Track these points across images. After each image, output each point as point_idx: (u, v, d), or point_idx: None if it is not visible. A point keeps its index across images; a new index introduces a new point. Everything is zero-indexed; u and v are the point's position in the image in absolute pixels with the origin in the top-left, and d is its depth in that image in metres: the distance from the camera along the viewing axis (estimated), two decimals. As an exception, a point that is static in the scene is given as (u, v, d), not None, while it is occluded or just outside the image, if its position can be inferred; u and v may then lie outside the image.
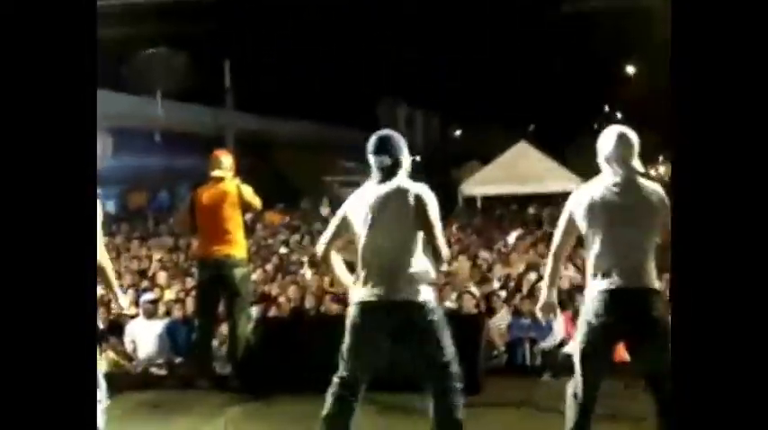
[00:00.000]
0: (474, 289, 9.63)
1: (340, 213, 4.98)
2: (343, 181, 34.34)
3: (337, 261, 5.01)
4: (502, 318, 8.78)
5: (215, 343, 7.89)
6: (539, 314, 5.16)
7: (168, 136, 29.48)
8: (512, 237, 15.32)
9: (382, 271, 4.73)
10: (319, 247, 5.06)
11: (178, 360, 8.37)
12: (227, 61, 29.54)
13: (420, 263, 4.76)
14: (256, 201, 7.42)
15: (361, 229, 4.79)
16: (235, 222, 7.28)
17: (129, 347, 8.67)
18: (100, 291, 6.59)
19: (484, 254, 12.88)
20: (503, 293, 9.63)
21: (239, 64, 29.95)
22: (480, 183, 23.86)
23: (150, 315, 8.78)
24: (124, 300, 5.81)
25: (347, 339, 4.85)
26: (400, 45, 39.03)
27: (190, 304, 8.96)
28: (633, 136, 4.83)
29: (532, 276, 10.03)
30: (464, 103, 49.63)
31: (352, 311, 4.82)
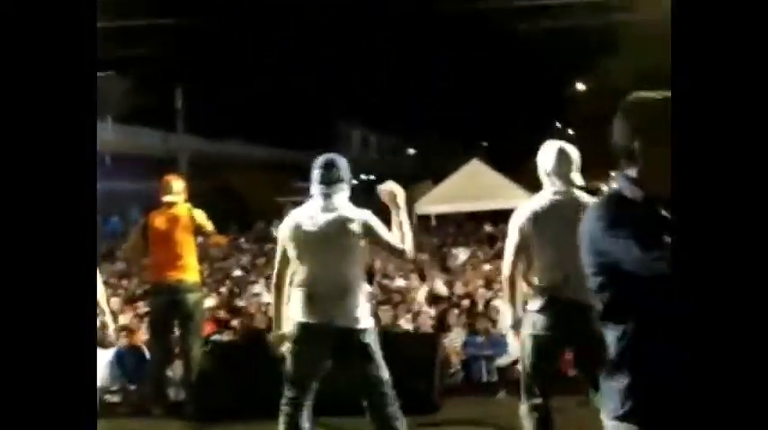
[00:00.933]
0: (427, 307, 9.64)
1: (280, 242, 5.02)
2: (296, 201, 34.30)
3: (285, 292, 5.03)
4: (456, 336, 8.79)
5: (169, 369, 7.78)
6: (510, 333, 5.21)
7: (119, 159, 29.22)
8: (463, 254, 15.38)
9: (324, 297, 4.81)
10: (273, 276, 5.12)
11: (131, 387, 8.24)
12: (178, 85, 29.39)
13: (360, 291, 4.89)
14: (209, 225, 7.38)
15: (302, 254, 4.87)
16: (187, 247, 7.22)
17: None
18: None
19: (437, 272, 12.91)
20: (456, 311, 9.64)
21: (190, 87, 29.80)
22: (434, 202, 23.93)
23: (101, 342, 8.63)
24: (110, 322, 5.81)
25: (289, 359, 4.94)
26: (354, 66, 39.17)
27: (142, 330, 8.84)
28: (572, 150, 4.95)
29: (487, 293, 10.06)
30: (417, 122, 49.91)
31: (294, 332, 4.89)
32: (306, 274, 4.87)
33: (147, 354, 8.08)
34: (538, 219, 4.82)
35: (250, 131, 36.68)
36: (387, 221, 5.03)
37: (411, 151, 66.58)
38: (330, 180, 4.92)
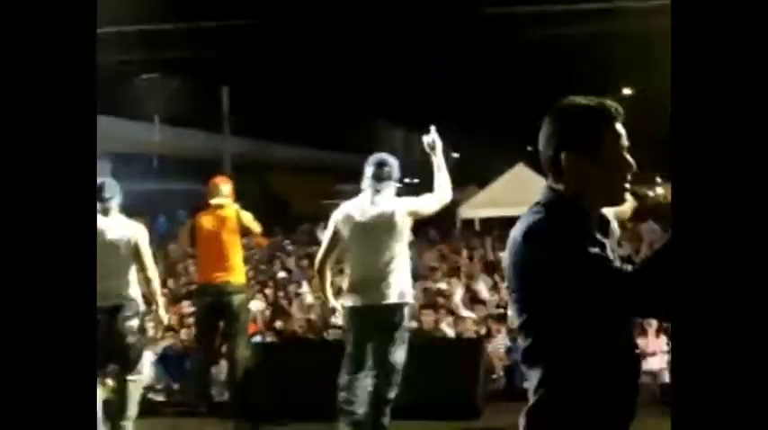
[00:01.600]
0: (469, 313, 9.59)
1: (330, 228, 5.74)
2: (339, 204, 34.37)
3: (328, 276, 5.85)
4: (500, 342, 8.74)
5: (213, 369, 7.85)
6: None
7: (166, 161, 29.51)
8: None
9: (372, 281, 5.46)
10: (316, 261, 5.89)
11: (176, 386, 8.31)
12: (225, 87, 29.62)
13: (404, 270, 5.56)
14: (256, 226, 7.44)
15: (352, 242, 5.57)
16: (234, 249, 7.28)
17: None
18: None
19: (483, 276, 12.85)
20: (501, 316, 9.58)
21: (237, 89, 30.02)
22: (478, 206, 23.83)
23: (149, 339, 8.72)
24: (164, 313, 6.49)
25: (348, 335, 5.71)
26: (399, 67, 39.18)
27: (185, 330, 8.92)
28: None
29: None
30: (461, 126, 49.74)
31: (347, 315, 5.63)
32: (355, 261, 5.57)
33: (191, 354, 8.15)
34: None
35: (295, 133, 36.83)
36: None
37: (455, 155, 66.44)
38: (381, 177, 5.61)
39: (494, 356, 8.42)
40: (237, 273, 7.30)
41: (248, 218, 7.37)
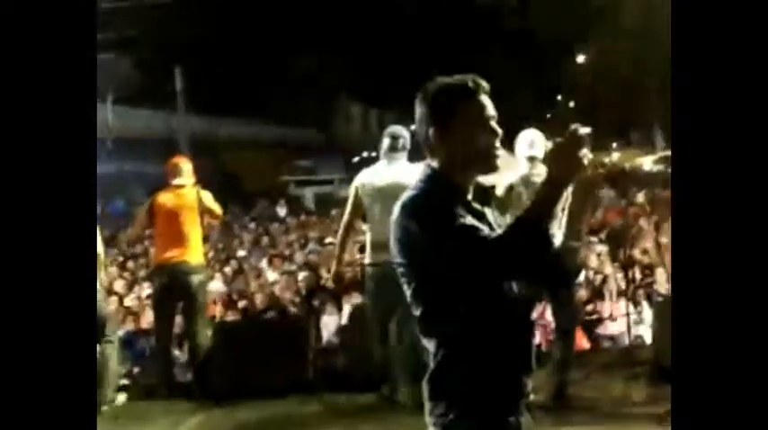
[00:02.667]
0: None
1: (351, 195, 6.30)
2: (298, 180, 34.25)
3: (350, 238, 6.64)
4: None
5: (175, 350, 7.79)
6: None
7: (120, 142, 29.16)
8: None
9: (388, 240, 5.55)
10: (341, 227, 6.50)
11: (136, 369, 8.24)
12: (178, 65, 29.27)
13: None
14: (217, 208, 7.39)
15: (370, 206, 6.10)
16: (193, 229, 7.22)
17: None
18: None
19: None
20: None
21: (189, 66, 29.69)
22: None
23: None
24: None
25: (368, 293, 6.28)
26: (353, 40, 39.00)
27: (146, 313, 8.84)
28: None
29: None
30: (414, 99, 49.76)
31: (366, 271, 6.21)
32: (373, 223, 6.08)
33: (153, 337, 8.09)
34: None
35: (250, 110, 36.56)
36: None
37: (413, 127, 66.43)
38: (395, 148, 6.16)
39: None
40: (195, 253, 7.23)
41: (209, 198, 7.32)
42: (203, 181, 7.61)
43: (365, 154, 48.17)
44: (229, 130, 35.87)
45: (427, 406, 2.46)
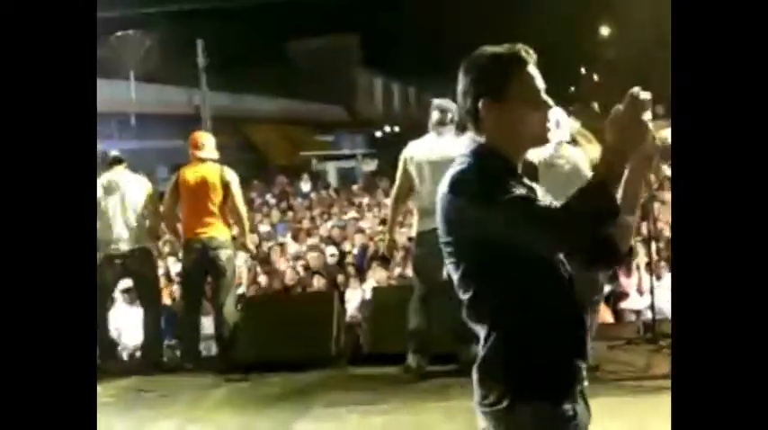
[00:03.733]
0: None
1: (400, 167, 6.51)
2: (320, 155, 34.23)
3: (401, 207, 6.98)
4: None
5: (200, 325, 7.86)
6: None
7: (143, 118, 29.25)
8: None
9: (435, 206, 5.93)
10: (391, 197, 6.84)
11: (164, 343, 8.31)
12: (200, 40, 29.26)
13: None
14: (240, 203, 7.42)
15: (419, 177, 6.32)
16: (218, 204, 7.24)
17: (113, 334, 8.61)
18: None
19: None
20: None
21: (211, 43, 29.67)
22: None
23: (132, 301, 8.69)
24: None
25: (417, 260, 6.49)
26: (373, 13, 38.80)
27: (172, 287, 8.91)
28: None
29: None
30: (443, 74, 49.52)
31: (415, 239, 6.53)
32: (422, 193, 6.29)
33: (177, 312, 8.16)
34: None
35: (272, 85, 36.52)
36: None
37: (436, 101, 66.04)
38: (443, 121, 6.37)
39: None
40: (223, 228, 7.27)
41: (233, 179, 7.33)
42: (225, 157, 7.62)
43: (387, 128, 48.13)
44: (251, 106, 35.87)
45: (477, 393, 2.35)
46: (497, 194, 2.18)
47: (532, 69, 2.36)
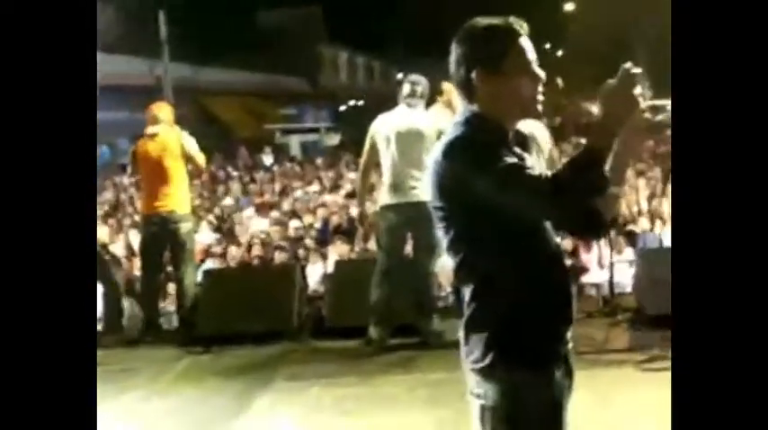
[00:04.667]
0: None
1: (368, 139, 6.48)
2: (283, 129, 34.06)
3: (369, 180, 6.95)
4: (447, 259, 8.81)
5: (159, 299, 7.83)
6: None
7: (104, 89, 28.89)
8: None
9: (405, 182, 6.21)
10: (359, 169, 6.87)
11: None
12: (161, 10, 28.89)
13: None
14: (199, 157, 7.35)
15: (388, 150, 6.29)
16: (177, 176, 7.20)
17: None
18: None
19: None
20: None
21: (173, 13, 29.32)
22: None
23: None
24: None
25: (382, 234, 6.50)
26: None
27: (135, 260, 8.85)
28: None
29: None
30: (403, 44, 49.34)
31: (381, 212, 6.45)
32: (387, 167, 6.30)
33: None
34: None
35: (235, 57, 36.20)
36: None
37: (399, 75, 66.03)
38: (414, 94, 6.38)
39: (441, 274, 8.48)
40: (182, 201, 7.23)
41: (192, 145, 7.28)
42: (188, 129, 7.57)
43: (351, 102, 47.97)
44: (214, 78, 35.54)
45: (463, 350, 2.43)
46: (490, 161, 2.23)
47: (525, 41, 2.41)
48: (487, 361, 2.35)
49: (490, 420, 2.38)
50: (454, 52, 2.43)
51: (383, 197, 6.46)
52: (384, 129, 6.38)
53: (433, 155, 2.39)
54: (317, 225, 10.85)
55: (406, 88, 6.46)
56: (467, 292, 2.39)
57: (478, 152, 2.28)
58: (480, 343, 2.37)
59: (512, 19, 2.42)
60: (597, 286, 8.21)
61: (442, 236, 2.43)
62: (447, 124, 6.06)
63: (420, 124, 6.28)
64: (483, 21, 2.43)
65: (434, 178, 2.38)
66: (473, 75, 2.38)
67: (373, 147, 6.47)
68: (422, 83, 6.46)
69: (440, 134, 6.14)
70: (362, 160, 6.70)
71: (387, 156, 6.35)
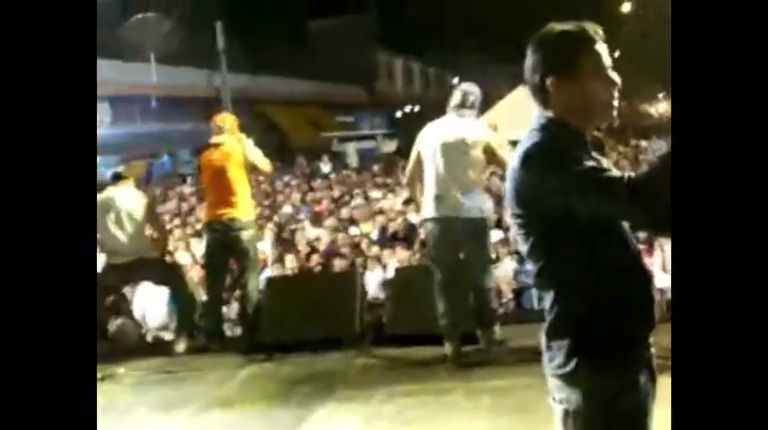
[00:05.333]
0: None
1: (415, 147, 6.34)
2: (340, 136, 34.21)
3: (418, 187, 6.43)
4: (507, 266, 8.77)
5: (224, 306, 7.91)
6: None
7: (164, 101, 29.32)
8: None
9: (451, 195, 6.02)
10: (405, 177, 6.95)
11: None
12: (219, 22, 29.25)
13: (479, 188, 6.22)
14: (264, 164, 7.45)
15: (435, 160, 6.08)
16: (240, 185, 7.30)
17: (138, 315, 8.68)
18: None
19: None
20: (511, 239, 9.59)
21: (231, 24, 29.66)
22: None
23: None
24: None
25: (429, 246, 6.36)
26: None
27: (196, 268, 8.96)
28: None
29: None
30: (459, 51, 49.24)
31: (429, 225, 6.19)
32: (434, 176, 6.07)
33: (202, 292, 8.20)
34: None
35: (291, 66, 36.48)
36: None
37: (455, 80, 65.92)
38: (464, 104, 6.21)
39: (501, 280, 8.45)
40: (245, 209, 7.32)
41: (256, 153, 7.39)
42: (250, 138, 7.66)
43: (407, 109, 47.99)
44: (271, 87, 35.85)
45: (545, 356, 2.42)
46: (570, 166, 2.23)
47: (600, 47, 2.41)
48: (571, 366, 2.35)
49: (574, 425, 2.37)
50: (529, 58, 2.43)
51: (427, 209, 6.18)
52: (430, 138, 6.18)
53: (511, 162, 2.40)
54: (375, 232, 10.87)
55: (456, 97, 6.27)
56: (547, 299, 2.40)
57: (557, 158, 2.27)
58: (563, 348, 2.36)
59: (586, 24, 2.42)
60: (662, 291, 8.08)
61: (521, 243, 2.44)
62: (495, 137, 6.00)
63: (468, 135, 6.08)
64: (557, 26, 2.42)
65: (513, 187, 2.37)
66: (548, 81, 2.38)
67: (417, 157, 6.29)
68: (474, 92, 6.28)
69: (487, 147, 6.11)
70: (408, 170, 6.55)
71: (431, 167, 6.13)
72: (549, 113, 2.39)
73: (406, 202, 11.69)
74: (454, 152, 6.05)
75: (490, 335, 6.26)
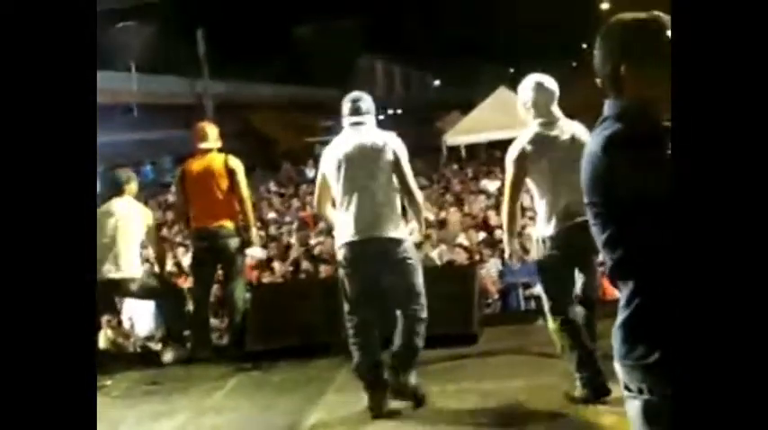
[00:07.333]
0: (463, 239, 9.63)
1: (320, 171, 5.60)
2: (324, 141, 34.22)
3: (333, 214, 5.64)
4: (493, 266, 8.81)
5: (210, 314, 7.89)
6: (513, 260, 5.67)
7: (146, 109, 29.25)
8: (493, 185, 15.34)
9: (363, 216, 5.30)
10: (314, 203, 5.96)
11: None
12: (200, 29, 29.22)
13: (395, 206, 5.41)
14: (244, 189, 7.35)
15: (341, 179, 5.36)
16: (226, 192, 7.26)
17: (126, 324, 8.66)
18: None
19: (474, 203, 12.90)
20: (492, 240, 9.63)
21: (211, 31, 29.63)
22: (462, 133, 23.75)
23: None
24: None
25: (344, 281, 5.47)
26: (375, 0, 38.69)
27: (182, 277, 8.95)
28: (551, 83, 5.20)
29: (521, 221, 10.03)
30: (441, 51, 49.35)
31: (342, 252, 5.41)
32: (345, 197, 5.35)
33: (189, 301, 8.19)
34: (529, 153, 5.14)
35: (273, 72, 36.49)
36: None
37: (436, 83, 65.90)
38: (359, 111, 5.45)
39: (487, 281, 8.48)
40: (231, 217, 7.29)
41: (238, 168, 7.33)
42: (232, 145, 7.64)
43: (390, 111, 48.06)
44: (254, 93, 35.85)
45: (622, 350, 2.38)
46: (656, 152, 2.21)
47: (668, 35, 2.40)
48: (654, 357, 2.31)
49: (658, 414, 2.32)
50: (599, 49, 2.47)
51: (346, 233, 5.40)
52: (331, 157, 5.47)
53: (588, 149, 2.38)
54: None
55: (345, 108, 5.53)
56: (624, 290, 2.37)
57: (637, 143, 2.27)
58: (646, 339, 2.33)
59: (656, 13, 2.43)
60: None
61: (596, 233, 2.41)
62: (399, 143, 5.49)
63: (370, 141, 5.39)
64: (629, 15, 2.46)
65: (590, 173, 2.36)
66: (622, 69, 2.40)
67: (322, 180, 5.58)
68: (362, 98, 5.55)
69: (394, 153, 5.33)
70: (315, 196, 5.83)
71: (340, 188, 5.41)
72: (624, 102, 2.41)
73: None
74: (358, 164, 5.36)
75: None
